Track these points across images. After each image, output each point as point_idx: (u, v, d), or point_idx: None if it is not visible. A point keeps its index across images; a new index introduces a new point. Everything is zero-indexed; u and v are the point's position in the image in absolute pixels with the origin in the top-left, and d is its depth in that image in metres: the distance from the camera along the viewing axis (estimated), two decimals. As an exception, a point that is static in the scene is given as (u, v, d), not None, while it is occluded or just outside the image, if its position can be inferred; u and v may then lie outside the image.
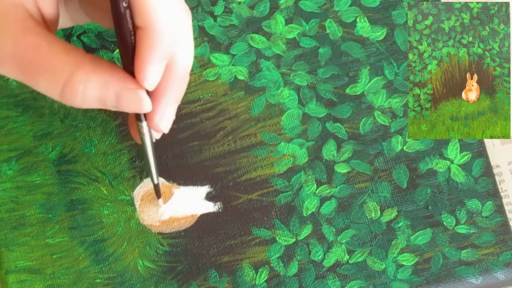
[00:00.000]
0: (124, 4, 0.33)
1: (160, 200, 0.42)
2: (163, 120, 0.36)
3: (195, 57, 0.44)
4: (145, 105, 0.34)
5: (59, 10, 0.36)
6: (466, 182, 0.43)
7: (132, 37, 0.34)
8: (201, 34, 0.44)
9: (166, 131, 0.37)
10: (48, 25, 0.34)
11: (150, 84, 0.34)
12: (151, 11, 0.33)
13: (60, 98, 0.33)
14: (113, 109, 0.34)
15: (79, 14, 0.38)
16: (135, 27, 0.34)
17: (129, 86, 0.34)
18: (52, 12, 0.35)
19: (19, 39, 0.32)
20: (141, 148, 0.39)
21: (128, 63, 0.34)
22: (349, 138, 0.43)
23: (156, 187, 0.41)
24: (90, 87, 0.33)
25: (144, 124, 0.37)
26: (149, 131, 0.37)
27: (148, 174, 0.41)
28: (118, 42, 0.34)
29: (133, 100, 0.34)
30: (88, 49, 0.44)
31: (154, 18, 0.33)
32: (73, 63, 0.33)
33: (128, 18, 0.33)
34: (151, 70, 0.34)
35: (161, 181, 0.43)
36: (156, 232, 0.42)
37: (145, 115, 0.37)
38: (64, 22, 0.39)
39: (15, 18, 0.32)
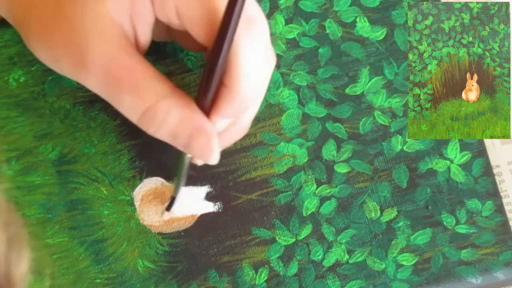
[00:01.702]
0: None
1: (166, 213, 0.42)
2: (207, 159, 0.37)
3: (194, 57, 0.44)
4: (213, 158, 0.35)
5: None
6: (466, 182, 0.43)
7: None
8: (201, 34, 0.44)
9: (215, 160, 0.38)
10: (138, 47, 0.35)
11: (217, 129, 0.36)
12: (242, 78, 0.34)
13: (137, 120, 0.34)
14: (180, 147, 0.35)
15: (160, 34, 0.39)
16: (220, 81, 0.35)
17: (204, 129, 0.34)
18: (146, 37, 0.36)
19: (114, 55, 0.34)
20: (177, 166, 0.40)
21: (202, 105, 0.35)
22: (349, 138, 0.43)
23: (173, 201, 0.42)
24: (170, 119, 0.34)
25: (187, 156, 0.38)
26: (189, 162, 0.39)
27: (175, 187, 0.41)
28: (202, 86, 0.34)
29: (204, 147, 0.35)
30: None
31: (243, 85, 0.34)
32: (162, 91, 0.34)
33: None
34: (222, 123, 0.35)
35: (161, 181, 0.43)
36: (156, 232, 0.42)
37: None
38: None
39: (112, 34, 0.34)
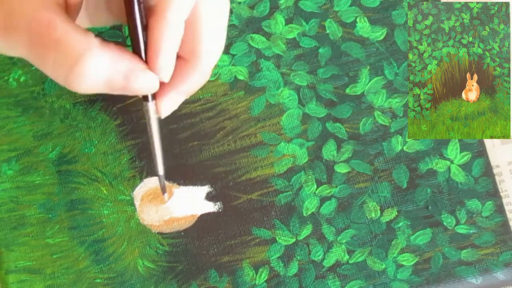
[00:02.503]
0: None
1: (166, 195, 0.42)
2: (165, 107, 0.36)
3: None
4: (154, 84, 0.34)
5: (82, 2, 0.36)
6: (466, 182, 0.43)
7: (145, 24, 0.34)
8: (201, 34, 0.44)
9: (163, 116, 0.37)
10: (69, 10, 0.34)
11: (165, 74, 0.34)
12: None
13: (66, 79, 0.33)
14: (119, 91, 0.34)
15: (98, 15, 0.38)
16: (147, 12, 0.34)
17: (138, 66, 0.33)
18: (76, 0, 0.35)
19: (35, 14, 0.32)
20: (148, 134, 0.37)
21: (139, 52, 0.34)
22: (349, 138, 0.43)
23: (161, 180, 0.40)
24: (101, 67, 0.32)
25: (150, 104, 0.36)
26: (156, 115, 0.37)
27: (154, 164, 0.39)
28: (130, 34, 0.34)
29: (141, 79, 0.33)
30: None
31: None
32: (85, 43, 0.32)
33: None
34: (163, 60, 0.34)
35: (161, 181, 0.43)
36: (156, 232, 0.42)
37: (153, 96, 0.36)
38: (81, 22, 0.38)
39: None
